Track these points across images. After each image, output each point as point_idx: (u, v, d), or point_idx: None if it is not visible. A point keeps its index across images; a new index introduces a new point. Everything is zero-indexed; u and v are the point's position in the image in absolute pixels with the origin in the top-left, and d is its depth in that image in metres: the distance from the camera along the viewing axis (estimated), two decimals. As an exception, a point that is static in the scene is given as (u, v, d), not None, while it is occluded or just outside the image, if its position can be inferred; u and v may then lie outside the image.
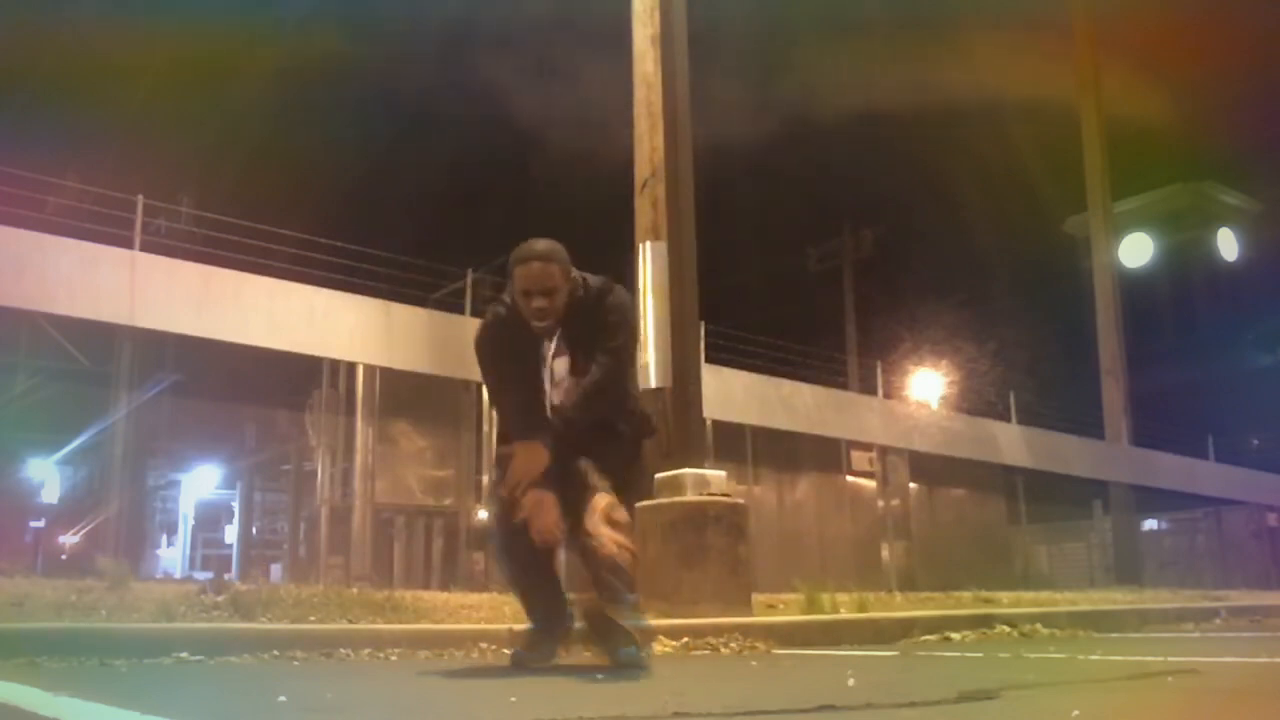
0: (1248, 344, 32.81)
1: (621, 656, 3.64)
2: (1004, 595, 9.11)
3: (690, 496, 6.44)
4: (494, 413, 4.24)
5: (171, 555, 28.75)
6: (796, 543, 18.25)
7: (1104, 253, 20.57)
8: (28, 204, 10.81)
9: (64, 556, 21.25)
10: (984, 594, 8.90)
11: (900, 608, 7.33)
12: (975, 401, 21.65)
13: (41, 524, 23.86)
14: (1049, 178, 27.08)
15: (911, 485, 19.90)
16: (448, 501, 17.30)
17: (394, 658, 4.29)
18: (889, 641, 5.73)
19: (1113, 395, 19.51)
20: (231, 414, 21.16)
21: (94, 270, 10.30)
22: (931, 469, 19.55)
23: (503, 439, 3.91)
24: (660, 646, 4.89)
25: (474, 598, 6.89)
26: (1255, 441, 27.67)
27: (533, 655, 3.83)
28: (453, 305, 14.08)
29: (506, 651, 4.41)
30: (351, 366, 15.91)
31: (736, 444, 17.19)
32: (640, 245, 7.39)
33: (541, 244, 3.81)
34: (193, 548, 28.78)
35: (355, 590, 6.76)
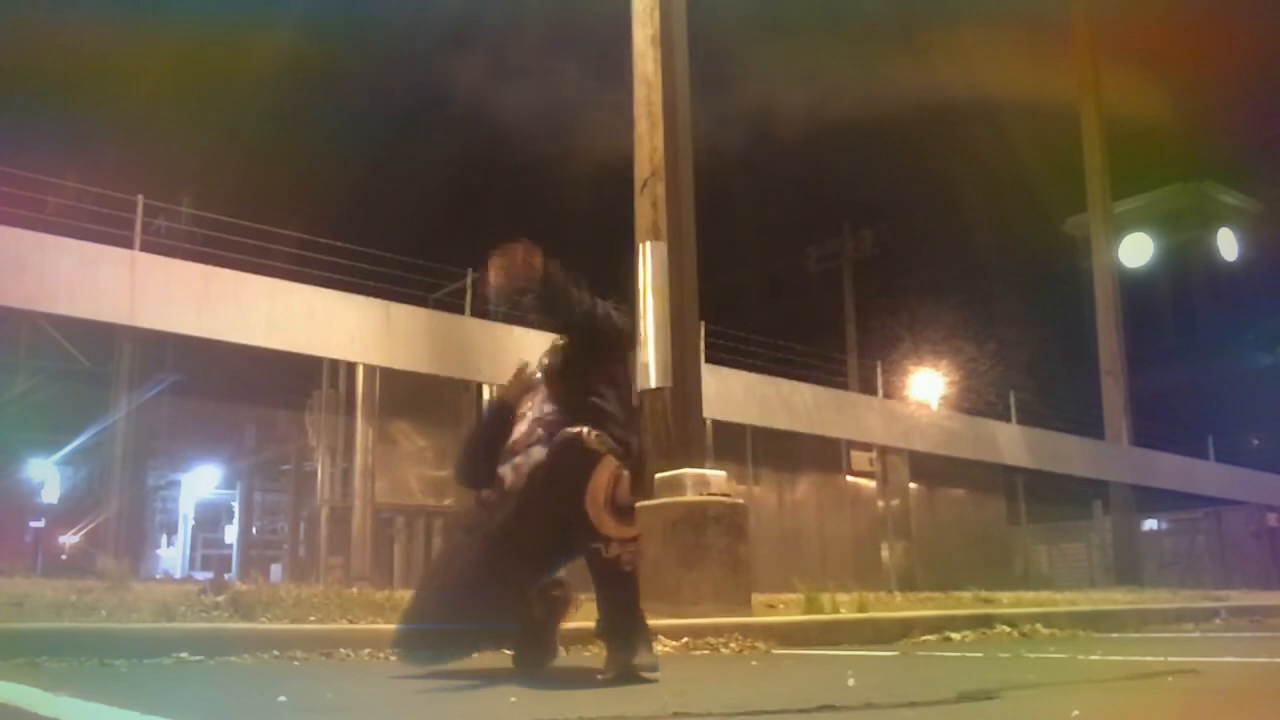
0: (1248, 344, 32.81)
1: (627, 663, 3.41)
2: (1004, 595, 9.12)
3: (690, 496, 6.44)
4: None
5: (171, 555, 28.75)
6: (796, 543, 18.25)
7: (1104, 253, 20.57)
8: (28, 204, 10.80)
9: (64, 556, 21.25)
10: (984, 594, 8.91)
11: (900, 608, 7.33)
12: (975, 401, 21.65)
13: (41, 524, 23.85)
14: (1049, 178, 27.10)
15: (911, 485, 19.90)
16: (448, 501, 17.28)
17: (394, 658, 4.29)
18: (889, 641, 5.73)
19: (1113, 395, 19.51)
20: (231, 414, 21.16)
21: (94, 270, 10.29)
22: (931, 469, 19.54)
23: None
24: (660, 646, 4.89)
25: (474, 598, 6.88)
26: (1255, 441, 27.67)
27: (533, 655, 3.80)
28: (453, 305, 14.07)
29: (508, 652, 4.41)
30: (351, 366, 15.90)
31: (736, 444, 17.18)
32: (640, 245, 7.39)
33: (512, 247, 3.69)
34: (193, 548, 28.78)
35: (355, 590, 6.76)
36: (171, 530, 29.20)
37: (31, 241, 10.07)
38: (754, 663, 4.35)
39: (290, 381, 17.10)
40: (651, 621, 5.12)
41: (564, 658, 4.27)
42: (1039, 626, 6.52)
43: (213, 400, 19.14)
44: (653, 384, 7.02)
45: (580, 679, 3.49)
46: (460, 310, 13.65)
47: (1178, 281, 35.30)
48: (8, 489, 23.57)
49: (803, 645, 5.38)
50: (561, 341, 3.93)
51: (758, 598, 6.99)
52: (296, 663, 4.08)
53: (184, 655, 3.91)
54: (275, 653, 4.15)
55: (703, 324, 11.45)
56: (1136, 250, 35.32)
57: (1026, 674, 3.76)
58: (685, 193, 7.51)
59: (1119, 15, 22.69)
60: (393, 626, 4.70)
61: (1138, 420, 19.86)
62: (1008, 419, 19.30)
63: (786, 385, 16.19)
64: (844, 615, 6.36)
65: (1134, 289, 26.23)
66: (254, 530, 24.21)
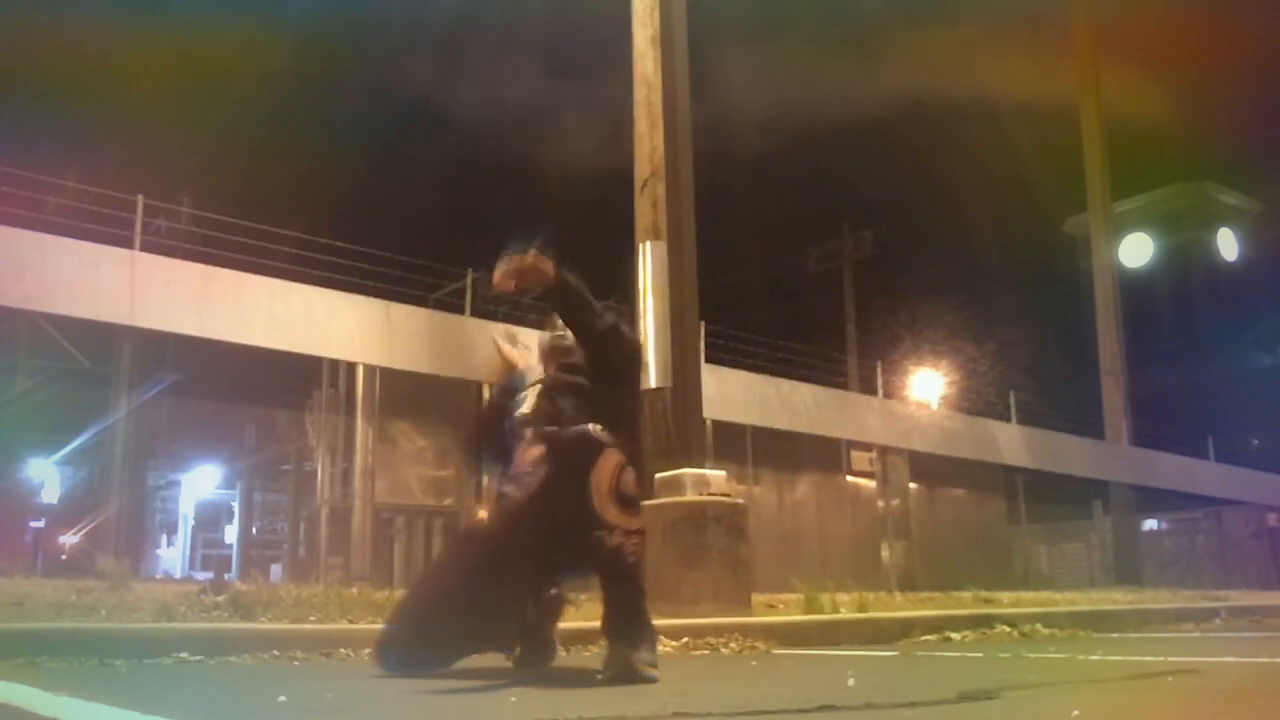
0: (1248, 344, 32.80)
1: (629, 663, 3.40)
2: (1004, 595, 9.12)
3: (690, 496, 6.44)
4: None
5: (171, 555, 28.75)
6: (796, 543, 18.24)
7: (1104, 253, 20.57)
8: (28, 204, 10.80)
9: (64, 556, 21.24)
10: (984, 594, 8.91)
11: (900, 608, 7.33)
12: (975, 401, 21.64)
13: (41, 524, 23.85)
14: (1049, 178, 27.09)
15: (911, 485, 19.89)
16: (448, 501, 17.29)
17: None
18: (889, 641, 5.73)
19: (1113, 395, 19.51)
20: (231, 414, 21.16)
21: (94, 270, 10.29)
22: (931, 469, 19.54)
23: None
24: (660, 646, 4.88)
25: (474, 598, 6.88)
26: (1255, 441, 27.66)
27: (535, 655, 3.81)
28: (453, 305, 14.07)
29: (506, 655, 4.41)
30: (351, 366, 15.90)
31: (736, 444, 17.18)
32: (640, 245, 7.39)
33: (518, 252, 3.67)
34: (193, 548, 28.78)
35: (355, 590, 6.76)
36: (171, 530, 29.20)
37: (31, 241, 10.07)
38: (754, 663, 4.35)
39: (290, 381, 17.09)
40: (652, 621, 5.13)
41: (564, 657, 4.27)
42: (1039, 626, 6.52)
43: (213, 400, 19.14)
44: (653, 384, 7.02)
45: (580, 679, 3.49)
46: (460, 310, 13.65)
47: (1178, 281, 35.29)
48: (8, 489, 23.57)
49: (803, 645, 5.38)
50: (562, 343, 3.91)
51: (758, 598, 6.99)
52: (296, 663, 4.08)
53: (184, 655, 3.91)
54: (275, 653, 4.15)
55: (703, 324, 11.45)
56: (1136, 250, 35.32)
57: (1026, 674, 3.76)
58: (685, 193, 7.51)
59: (1119, 15, 22.69)
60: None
61: (1138, 420, 19.86)
62: (1008, 419, 19.30)
63: (786, 385, 16.19)
64: (844, 615, 6.36)
65: (1134, 289, 26.23)
66: (254, 530, 24.21)
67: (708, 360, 13.43)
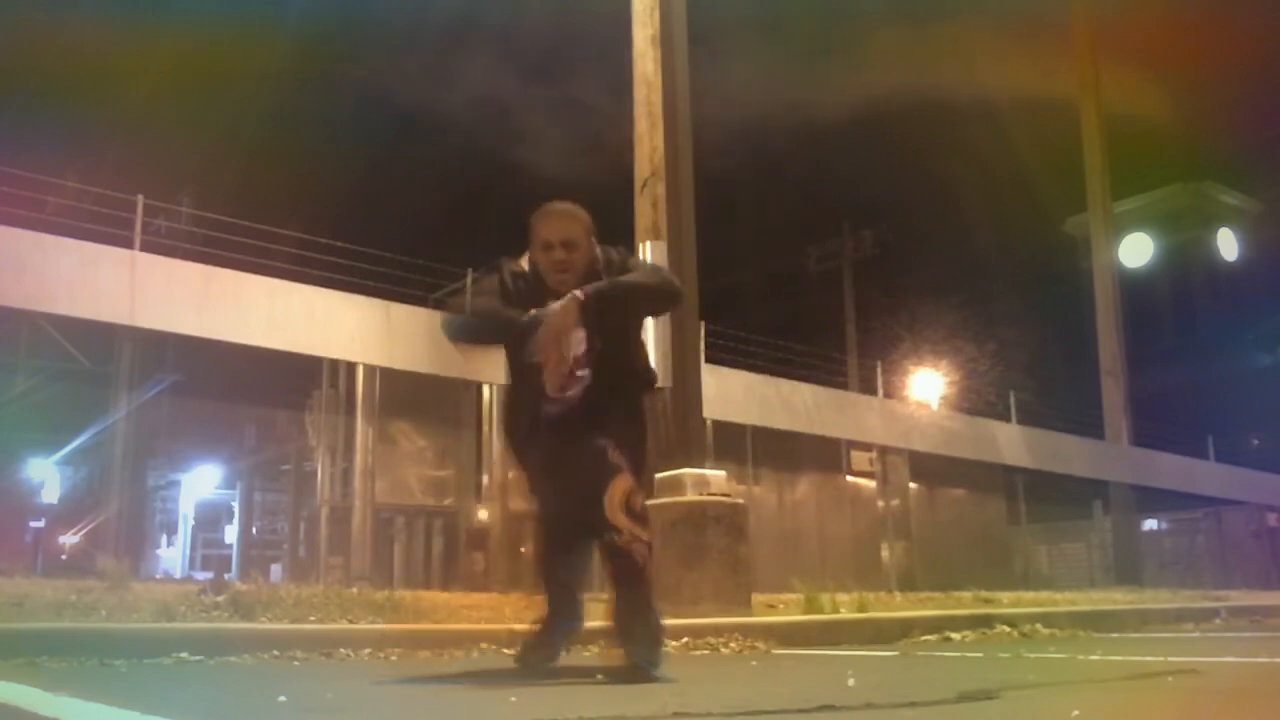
0: (1248, 344, 32.80)
1: (636, 663, 3.45)
2: (1004, 595, 9.12)
3: (690, 496, 6.44)
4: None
5: (171, 555, 28.76)
6: (796, 543, 18.24)
7: (1104, 253, 20.56)
8: (28, 204, 10.80)
9: (64, 556, 21.25)
10: (984, 594, 8.90)
11: (900, 608, 7.33)
12: (975, 401, 21.64)
13: (41, 524, 23.85)
14: (1049, 178, 27.10)
15: (911, 485, 19.89)
16: (448, 501, 17.30)
17: (394, 658, 4.29)
18: (889, 641, 5.73)
19: (1113, 395, 19.50)
20: (231, 414, 21.17)
21: (94, 270, 10.29)
22: (931, 469, 19.54)
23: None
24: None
25: (474, 598, 6.89)
26: (1255, 441, 27.66)
27: (536, 655, 3.80)
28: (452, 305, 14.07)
29: (508, 651, 4.41)
30: (351, 366, 15.90)
31: (736, 444, 17.18)
32: (640, 245, 7.39)
33: (564, 202, 3.76)
34: (193, 548, 28.79)
35: (355, 590, 6.76)
36: (171, 530, 29.21)
37: (31, 241, 10.06)
38: (754, 663, 4.35)
39: (290, 381, 17.10)
40: (661, 623, 5.12)
41: (564, 657, 4.27)
42: (1039, 626, 6.52)
43: (213, 400, 19.14)
44: (653, 384, 7.01)
45: (580, 679, 3.49)
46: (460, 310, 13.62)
47: (1178, 281, 35.28)
48: (8, 489, 23.57)
49: (803, 645, 5.38)
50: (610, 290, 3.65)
51: (758, 598, 6.99)
52: (296, 663, 4.08)
53: (184, 655, 3.91)
54: (275, 653, 4.15)
55: (703, 324, 11.44)
56: (1136, 250, 35.31)
57: (1026, 674, 3.76)
58: (685, 193, 7.51)
59: (1119, 15, 22.69)
60: (393, 627, 4.72)
61: (1138, 420, 19.85)
62: (1008, 419, 19.30)
63: (786, 385, 16.19)
64: (844, 615, 6.36)
65: (1134, 289, 26.22)
66: (254, 530, 24.21)
67: (707, 360, 13.42)
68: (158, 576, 19.78)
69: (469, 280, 14.09)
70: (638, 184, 7.55)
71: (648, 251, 7.32)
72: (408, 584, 14.46)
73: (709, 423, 13.83)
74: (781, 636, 5.39)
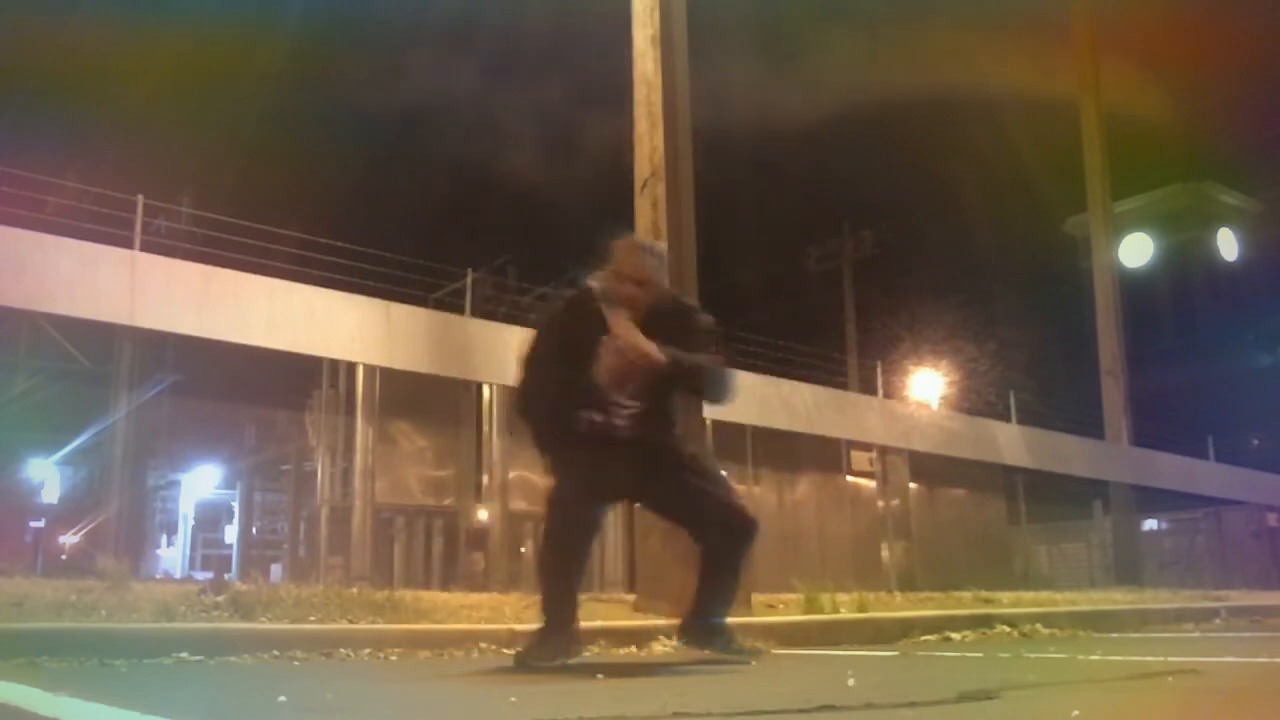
0: (1248, 344, 32.79)
1: (727, 651, 4.17)
2: (1004, 595, 9.11)
3: (690, 496, 6.43)
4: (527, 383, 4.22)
5: (171, 555, 28.76)
6: (796, 543, 18.24)
7: (1104, 253, 20.55)
8: (28, 204, 10.79)
9: (64, 556, 21.25)
10: (984, 594, 8.90)
11: (900, 608, 7.33)
12: (975, 401, 21.64)
13: (41, 524, 23.85)
14: (1049, 178, 27.10)
15: (911, 485, 19.89)
16: (448, 501, 17.30)
17: (394, 658, 4.29)
18: (889, 641, 5.73)
19: (1113, 395, 19.49)
20: (231, 414, 21.16)
21: (94, 270, 10.28)
22: (931, 469, 19.54)
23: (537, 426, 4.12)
24: (660, 646, 4.90)
25: (474, 598, 6.89)
26: (1255, 441, 27.65)
27: (538, 655, 3.82)
28: (453, 305, 14.07)
29: (508, 651, 4.41)
30: (351, 366, 15.89)
31: (736, 444, 17.18)
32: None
33: (641, 240, 4.29)
34: (193, 548, 28.78)
35: (355, 590, 6.76)
36: (171, 530, 29.20)
37: (31, 241, 10.06)
38: (754, 663, 4.35)
39: (290, 381, 17.09)
40: (652, 621, 5.14)
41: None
42: (1039, 626, 6.52)
43: (213, 400, 19.14)
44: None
45: (580, 679, 3.49)
46: (460, 310, 13.65)
47: (1178, 281, 35.29)
48: (8, 489, 23.57)
49: (803, 645, 5.38)
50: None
51: (758, 598, 6.99)
52: (296, 663, 4.08)
53: (184, 655, 3.91)
54: (275, 653, 4.15)
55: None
56: (1136, 250, 35.31)
57: (1026, 674, 3.76)
58: (685, 193, 7.51)
59: (1119, 15, 22.68)
60: (393, 627, 4.72)
61: (1138, 420, 19.84)
62: (1008, 419, 19.30)
63: (786, 385, 16.18)
64: (844, 615, 6.36)
65: (1134, 289, 26.21)
66: (254, 530, 24.21)
67: (707, 360, 13.40)
68: (158, 576, 19.77)
69: (469, 280, 14.12)
70: (638, 184, 7.55)
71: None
72: (408, 584, 14.46)
73: (708, 423, 13.82)
74: (781, 636, 5.39)
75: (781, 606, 6.88)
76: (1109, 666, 4.18)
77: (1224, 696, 3.09)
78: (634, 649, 4.83)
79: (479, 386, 16.62)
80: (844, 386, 19.83)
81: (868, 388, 19.37)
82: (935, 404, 21.95)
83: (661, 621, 5.15)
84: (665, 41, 7.68)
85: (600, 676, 3.42)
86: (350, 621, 4.81)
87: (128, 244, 10.67)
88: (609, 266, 4.08)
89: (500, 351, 12.60)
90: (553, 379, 4.06)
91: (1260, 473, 23.39)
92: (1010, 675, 3.65)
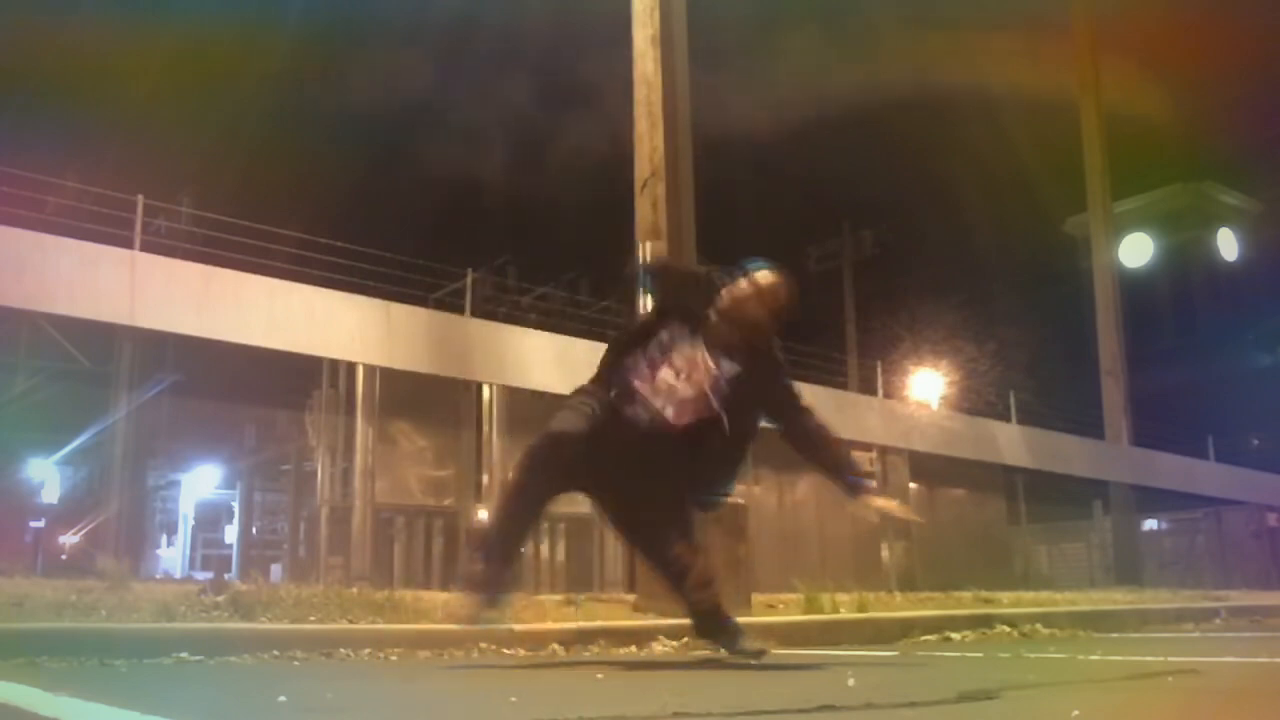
0: (1248, 344, 32.79)
1: (736, 648, 4.10)
2: (1004, 595, 9.12)
3: (690, 496, 6.43)
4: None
5: (171, 555, 28.75)
6: (796, 543, 18.24)
7: (1104, 253, 20.55)
8: (28, 204, 10.79)
9: (64, 556, 21.24)
10: (984, 594, 8.90)
11: (900, 608, 7.33)
12: (975, 401, 21.64)
13: (41, 524, 23.85)
14: (1049, 178, 27.09)
15: (911, 485, 19.88)
16: (448, 501, 17.29)
17: (394, 658, 4.29)
18: (889, 641, 5.74)
19: (1113, 395, 19.49)
20: (231, 414, 21.15)
21: (94, 270, 10.27)
22: (931, 469, 19.53)
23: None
24: (660, 646, 4.90)
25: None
26: (1255, 441, 27.65)
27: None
28: (453, 305, 14.07)
29: (508, 652, 4.41)
30: (351, 366, 15.89)
31: (736, 444, 17.15)
32: (640, 245, 7.39)
33: (782, 274, 4.21)
34: (193, 548, 28.78)
35: (355, 590, 6.76)
36: (171, 530, 29.20)
37: (31, 241, 10.05)
38: (754, 663, 4.35)
39: (290, 381, 17.09)
40: (652, 621, 5.15)
41: (563, 656, 4.28)
42: (1039, 626, 6.53)
43: (213, 400, 19.13)
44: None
45: (580, 679, 3.49)
46: (460, 310, 13.65)
47: (1178, 281, 35.28)
48: (8, 489, 23.57)
49: (803, 645, 5.38)
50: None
51: (758, 598, 6.99)
52: (296, 663, 4.08)
53: (184, 655, 3.91)
54: (275, 653, 4.15)
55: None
56: (1136, 250, 35.30)
57: (1026, 674, 3.76)
58: (685, 193, 7.51)
59: (1119, 15, 22.68)
60: (393, 627, 4.72)
61: (1138, 420, 19.84)
62: (1008, 419, 19.29)
63: (786, 385, 16.16)
64: (844, 615, 6.36)
65: (1134, 289, 26.20)
66: (254, 530, 24.20)
67: (708, 360, 13.40)
68: (158, 576, 19.77)
69: (469, 280, 14.11)
70: (638, 184, 7.55)
71: (648, 251, 7.31)
72: (408, 584, 14.45)
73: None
74: (781, 636, 5.39)
75: (781, 606, 6.88)
76: (1109, 666, 4.18)
77: (1224, 696, 3.09)
78: (634, 649, 4.83)
79: (479, 386, 16.62)
80: (844, 386, 19.82)
81: (868, 388, 19.36)
82: (935, 404, 21.95)
83: (661, 621, 5.15)
84: (665, 41, 7.68)
85: (600, 676, 3.42)
86: (350, 621, 4.81)
87: (128, 244, 10.67)
88: (741, 283, 4.07)
89: (500, 351, 12.60)
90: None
91: (1260, 473, 23.39)
92: (1010, 675, 3.65)
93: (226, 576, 10.79)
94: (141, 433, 18.48)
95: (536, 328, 14.17)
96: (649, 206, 7.42)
